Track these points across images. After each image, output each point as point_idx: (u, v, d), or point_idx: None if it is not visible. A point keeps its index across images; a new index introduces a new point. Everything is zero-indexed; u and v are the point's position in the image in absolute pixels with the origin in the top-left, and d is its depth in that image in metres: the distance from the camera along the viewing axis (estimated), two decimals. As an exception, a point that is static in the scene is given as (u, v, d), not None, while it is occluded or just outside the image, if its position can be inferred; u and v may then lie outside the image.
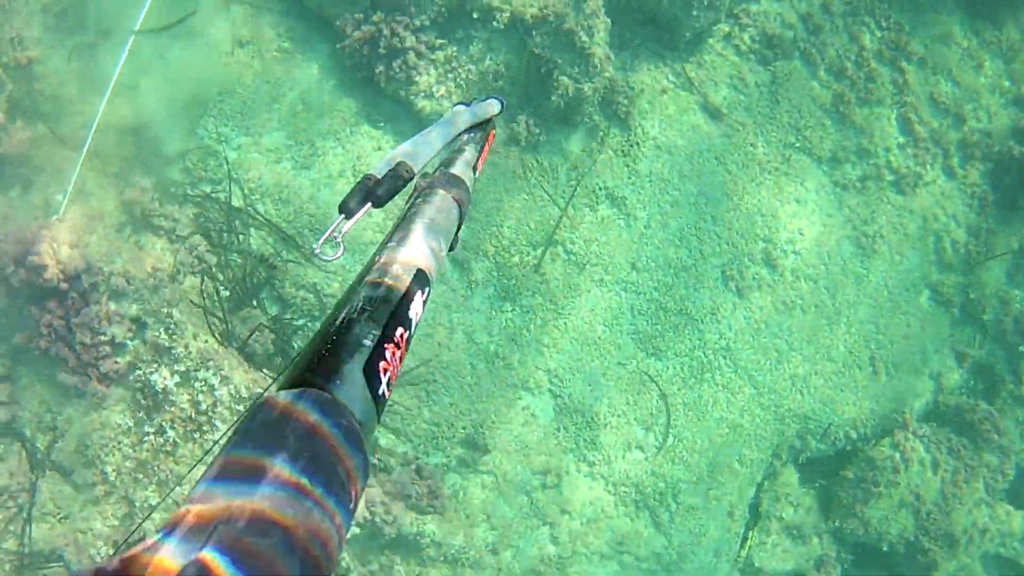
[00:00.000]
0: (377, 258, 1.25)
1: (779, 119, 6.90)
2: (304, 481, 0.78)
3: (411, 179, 1.48)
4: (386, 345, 1.05)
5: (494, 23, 5.99)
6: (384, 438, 5.87)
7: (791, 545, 7.00)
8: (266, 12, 6.04)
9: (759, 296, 6.65)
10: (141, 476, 5.00)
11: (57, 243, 5.11)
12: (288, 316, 5.73)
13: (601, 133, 6.37)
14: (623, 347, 6.29)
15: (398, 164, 1.47)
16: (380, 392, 1.00)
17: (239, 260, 5.66)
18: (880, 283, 7.14)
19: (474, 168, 1.67)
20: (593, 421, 6.19)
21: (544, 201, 6.16)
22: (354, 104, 6.02)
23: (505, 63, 6.09)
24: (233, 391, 5.05)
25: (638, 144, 6.42)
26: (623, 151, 6.41)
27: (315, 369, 0.95)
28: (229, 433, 0.84)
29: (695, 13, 6.48)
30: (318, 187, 5.88)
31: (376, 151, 5.97)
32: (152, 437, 5.02)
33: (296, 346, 5.66)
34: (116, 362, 5.07)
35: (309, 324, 5.72)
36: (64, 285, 5.09)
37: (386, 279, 1.17)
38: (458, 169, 1.59)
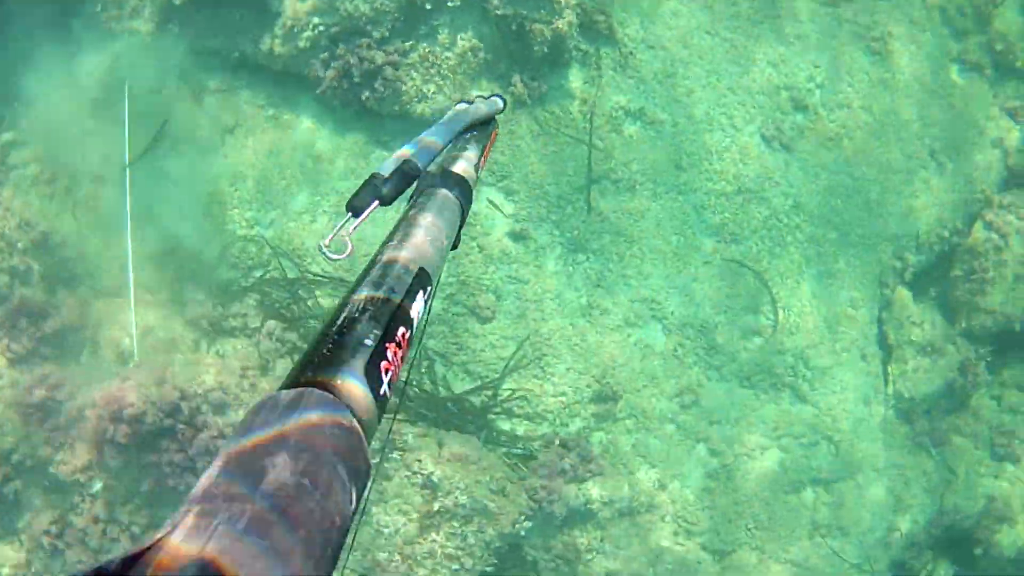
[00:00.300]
0: (379, 257, 1.23)
1: (750, -32, 6.68)
2: (305, 482, 0.76)
3: (417, 176, 1.48)
4: (388, 345, 1.03)
5: (448, 4, 5.87)
6: (520, 427, 5.92)
7: (930, 363, 6.95)
8: (237, 91, 5.98)
9: (804, 143, 6.53)
10: None
11: (144, 386, 5.16)
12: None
13: (593, 59, 6.24)
14: (701, 246, 6.24)
15: (404, 162, 1.47)
16: (381, 392, 0.99)
17: (317, 324, 5.68)
18: (908, 78, 6.96)
19: (476, 167, 1.66)
20: (704, 327, 6.17)
21: (572, 143, 6.07)
22: (359, 137, 5.96)
23: (476, 36, 5.97)
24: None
25: (632, 54, 6.28)
26: (621, 66, 6.28)
27: (316, 369, 0.94)
28: (230, 433, 0.84)
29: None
30: (361, 227, 5.85)
31: (395, 169, 5.92)
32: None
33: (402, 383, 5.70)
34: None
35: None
36: (168, 422, 5.15)
37: (388, 278, 1.16)
38: (460, 168, 1.58)
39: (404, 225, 1.34)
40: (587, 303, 6.03)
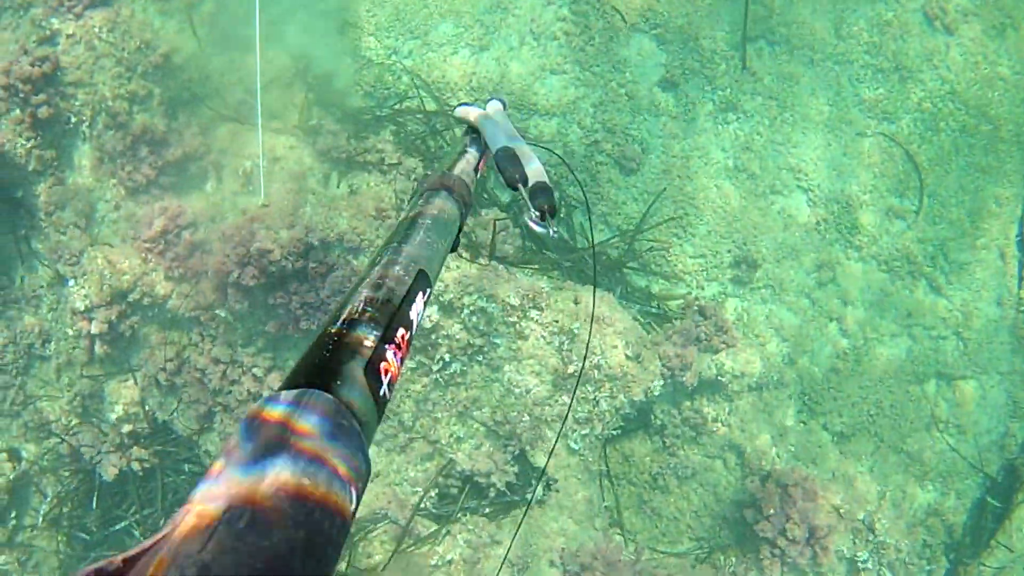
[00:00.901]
0: (378, 259, 1.23)
1: None
2: (305, 481, 0.76)
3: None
4: (387, 346, 1.04)
5: None
6: (655, 285, 5.70)
7: (1061, 273, 6.70)
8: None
9: (967, 27, 6.18)
10: (431, 410, 4.93)
11: (274, 230, 4.91)
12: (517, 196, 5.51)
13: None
14: (854, 120, 5.94)
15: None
16: (381, 393, 0.99)
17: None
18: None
19: (475, 169, 1.67)
20: (848, 204, 5.91)
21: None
22: (505, -36, 5.62)
23: None
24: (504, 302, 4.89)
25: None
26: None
27: (317, 370, 0.94)
28: (231, 432, 0.73)
29: None
30: (504, 64, 5.57)
31: (550, 5, 5.60)
32: (436, 373, 4.93)
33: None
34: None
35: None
36: (299, 263, 4.89)
37: (387, 280, 1.16)
38: (459, 170, 1.60)
39: (404, 227, 1.35)
40: (734, 165, 5.76)
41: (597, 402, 5.08)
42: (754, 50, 5.78)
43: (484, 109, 1.83)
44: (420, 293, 1.20)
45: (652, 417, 5.58)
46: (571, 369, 4.95)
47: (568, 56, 5.64)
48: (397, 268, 1.20)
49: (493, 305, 4.83)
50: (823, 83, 5.90)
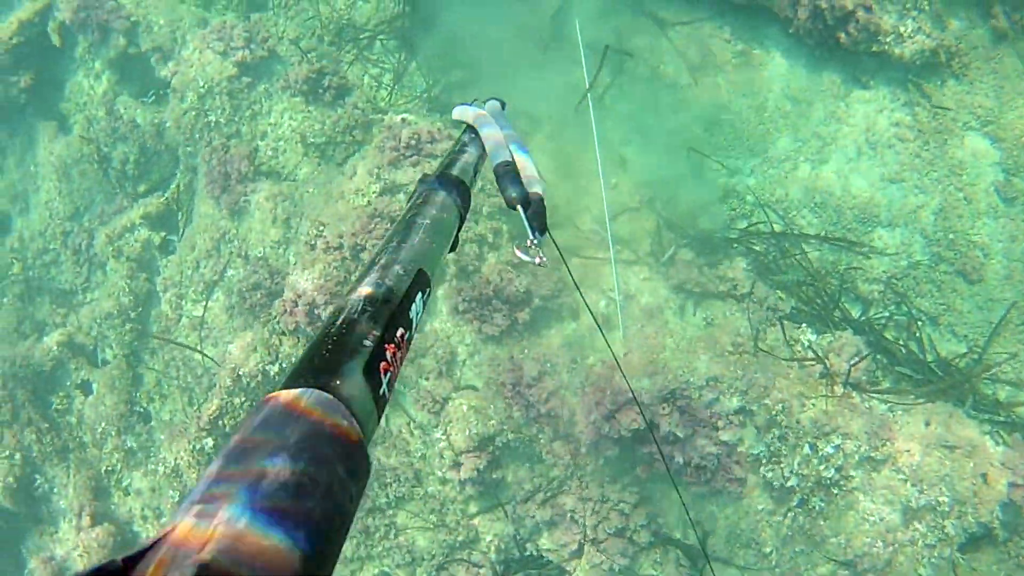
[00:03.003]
0: (377, 258, 1.23)
1: None
2: (305, 481, 0.76)
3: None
4: (387, 346, 1.04)
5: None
6: (1002, 392, 5.68)
7: None
8: (700, 24, 5.55)
9: None
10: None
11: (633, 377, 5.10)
12: (873, 314, 5.55)
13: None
14: None
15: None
16: (381, 392, 0.99)
17: (805, 281, 5.47)
18: None
19: (474, 168, 1.65)
20: None
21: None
22: (836, 76, 5.51)
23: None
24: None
25: None
26: None
27: (316, 369, 0.94)
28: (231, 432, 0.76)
29: None
30: (845, 177, 5.53)
31: (882, 112, 5.49)
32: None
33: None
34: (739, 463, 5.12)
35: (896, 316, 5.53)
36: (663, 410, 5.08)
37: (387, 279, 1.15)
38: (458, 170, 1.58)
39: (403, 227, 1.34)
40: (1081, 258, 5.61)
41: (942, 528, 5.14)
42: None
43: (483, 109, 1.82)
44: (419, 293, 1.20)
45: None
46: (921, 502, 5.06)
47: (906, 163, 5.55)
48: (396, 268, 1.19)
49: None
50: None
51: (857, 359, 5.28)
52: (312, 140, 5.96)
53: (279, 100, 6.09)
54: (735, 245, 5.53)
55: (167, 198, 6.63)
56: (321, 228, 5.59)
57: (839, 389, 5.18)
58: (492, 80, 5.72)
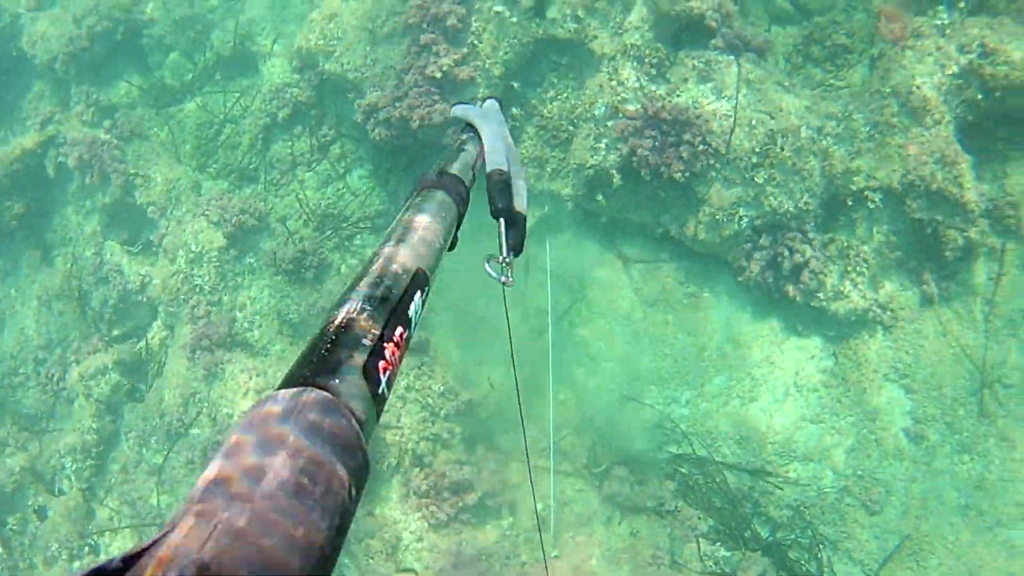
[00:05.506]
0: (376, 257, 1.24)
1: None
2: (304, 481, 0.77)
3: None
4: (385, 344, 1.04)
5: (869, 205, 5.98)
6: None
7: None
8: (659, 265, 6.17)
9: None
10: None
11: None
12: (780, 536, 6.13)
13: (999, 252, 6.33)
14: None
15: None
16: (380, 391, 0.99)
17: (724, 505, 6.04)
18: None
19: (473, 167, 1.68)
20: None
21: (974, 342, 6.23)
22: (776, 324, 6.17)
23: (893, 232, 6.08)
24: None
25: (1037, 254, 6.33)
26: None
27: (315, 368, 0.94)
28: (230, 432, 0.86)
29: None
30: (770, 415, 6.15)
31: (812, 359, 6.15)
32: None
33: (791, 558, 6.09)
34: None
35: (801, 539, 6.12)
36: None
37: (385, 278, 1.16)
38: (457, 169, 1.60)
39: (401, 225, 1.35)
40: (966, 504, 6.30)
41: None
42: (990, 394, 6.28)
43: (482, 109, 1.87)
44: (418, 292, 1.20)
45: None
46: None
47: (827, 406, 6.21)
48: (395, 266, 1.20)
49: None
50: (1053, 422, 6.39)
51: (763, 579, 5.85)
52: (289, 318, 6.40)
53: (261, 275, 6.52)
54: (663, 467, 6.09)
55: (140, 348, 6.96)
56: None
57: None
58: (459, 288, 6.25)
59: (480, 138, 1.77)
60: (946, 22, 6.22)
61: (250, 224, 6.45)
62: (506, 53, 6.12)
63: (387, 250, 1.24)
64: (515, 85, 6.17)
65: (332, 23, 6.49)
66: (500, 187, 1.62)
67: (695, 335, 6.15)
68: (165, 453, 6.63)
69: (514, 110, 6.21)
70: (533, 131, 6.19)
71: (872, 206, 6.03)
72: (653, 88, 6.06)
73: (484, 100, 1.95)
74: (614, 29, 6.11)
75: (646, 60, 6.08)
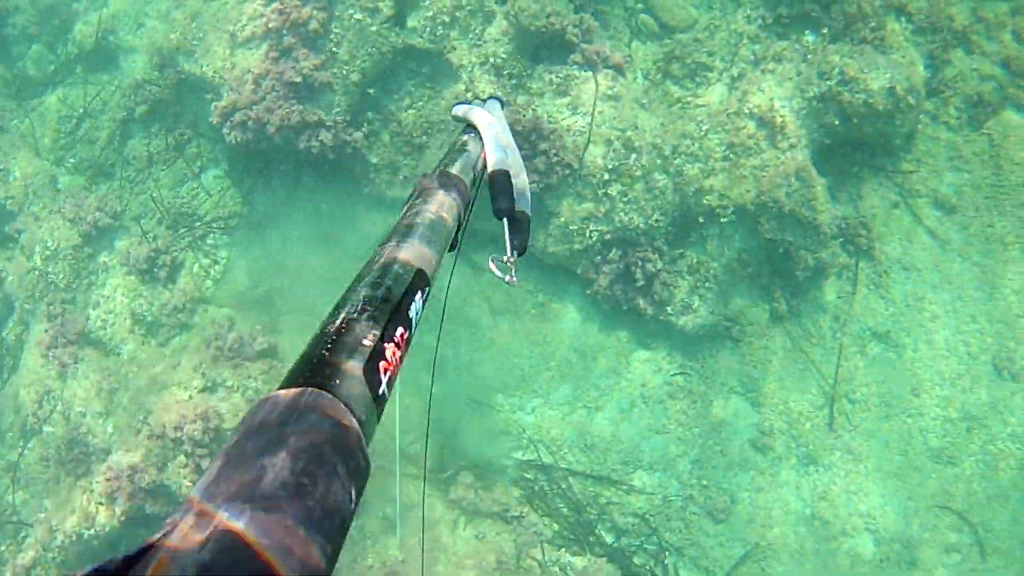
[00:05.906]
0: (377, 256, 1.24)
1: (1007, 184, 6.73)
2: (305, 481, 0.76)
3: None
4: (386, 345, 1.04)
5: (722, 219, 6.03)
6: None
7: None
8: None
9: (1033, 374, 6.75)
10: None
11: None
12: (625, 542, 6.23)
13: (850, 273, 6.42)
14: (922, 470, 6.59)
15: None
16: (380, 392, 0.99)
17: (569, 512, 6.12)
18: None
19: (474, 167, 1.68)
20: (908, 544, 6.61)
21: (820, 358, 6.33)
22: (624, 335, 6.22)
23: (745, 250, 6.14)
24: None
25: (887, 273, 6.44)
26: (875, 284, 6.46)
27: (315, 368, 0.94)
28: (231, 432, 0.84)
29: (898, 122, 6.29)
30: (616, 424, 6.21)
31: (659, 371, 6.22)
32: None
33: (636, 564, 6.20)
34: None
35: (646, 545, 6.22)
36: None
37: (386, 279, 1.16)
38: (458, 168, 1.60)
39: (403, 225, 1.35)
40: (811, 514, 6.44)
41: None
42: (837, 409, 6.40)
43: (483, 107, 1.86)
44: (419, 292, 1.19)
45: None
46: None
47: (672, 417, 6.29)
48: (396, 267, 1.19)
49: None
50: (896, 435, 6.53)
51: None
52: (142, 317, 6.34)
53: (115, 274, 6.45)
54: (510, 472, 6.15)
55: (-5, 344, 6.87)
56: (147, 415, 5.96)
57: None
58: (313, 287, 6.23)
59: (481, 138, 1.74)
60: (810, 46, 6.25)
61: (105, 223, 6.37)
62: (364, 61, 6.06)
63: (388, 250, 1.24)
64: (371, 91, 6.11)
65: (194, 23, 6.39)
66: (503, 187, 1.62)
67: (542, 344, 6.19)
68: (20, 450, 6.57)
69: (369, 115, 6.17)
70: (388, 137, 6.16)
71: (725, 220, 6.08)
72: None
73: (485, 100, 1.93)
74: (473, 41, 6.07)
75: (504, 72, 6.05)
